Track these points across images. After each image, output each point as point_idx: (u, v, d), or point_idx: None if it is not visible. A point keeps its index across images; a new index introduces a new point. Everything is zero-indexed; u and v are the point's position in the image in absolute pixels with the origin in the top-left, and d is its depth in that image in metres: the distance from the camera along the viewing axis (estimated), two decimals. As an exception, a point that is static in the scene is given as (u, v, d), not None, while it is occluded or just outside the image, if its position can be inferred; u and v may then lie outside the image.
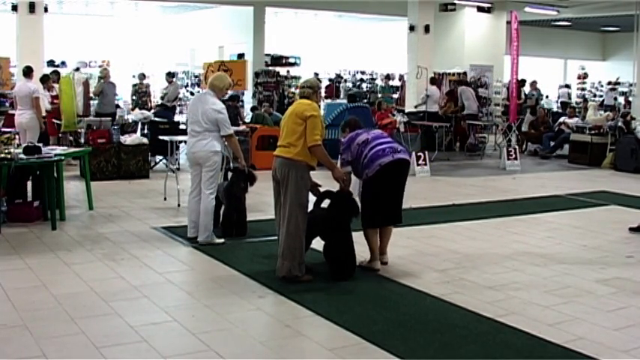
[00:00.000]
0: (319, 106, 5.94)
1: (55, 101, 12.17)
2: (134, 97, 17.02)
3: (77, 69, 14.52)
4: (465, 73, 17.06)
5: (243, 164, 6.91)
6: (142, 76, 17.48)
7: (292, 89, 22.12)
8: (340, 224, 5.68)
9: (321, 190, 5.96)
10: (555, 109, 22.12)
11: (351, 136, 6.11)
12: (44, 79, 12.46)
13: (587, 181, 11.88)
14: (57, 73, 14.01)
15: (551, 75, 28.90)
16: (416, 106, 16.06)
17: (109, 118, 11.59)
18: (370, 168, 5.86)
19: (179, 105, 19.20)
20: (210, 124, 6.60)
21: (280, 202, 5.69)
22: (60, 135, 12.15)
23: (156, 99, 19.06)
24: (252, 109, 16.80)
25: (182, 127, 12.50)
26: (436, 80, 16.43)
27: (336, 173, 5.79)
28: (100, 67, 20.68)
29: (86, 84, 13.29)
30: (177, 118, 15.90)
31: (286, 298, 5.20)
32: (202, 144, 6.63)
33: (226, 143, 6.93)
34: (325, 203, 5.94)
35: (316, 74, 23.15)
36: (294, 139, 5.57)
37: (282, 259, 5.59)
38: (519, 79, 15.51)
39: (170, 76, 16.69)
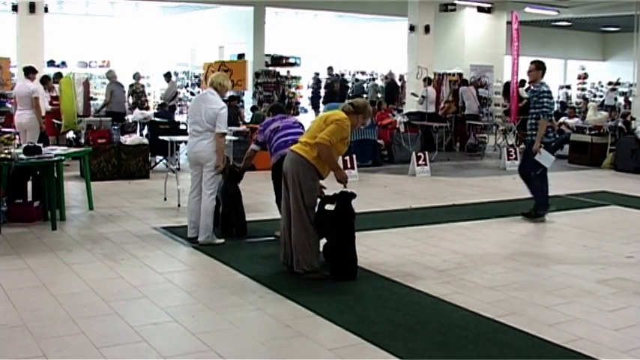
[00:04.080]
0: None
1: (55, 102, 12.18)
2: (133, 98, 17.00)
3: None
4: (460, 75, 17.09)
5: (219, 165, 6.72)
6: (138, 76, 17.47)
7: (292, 89, 22.12)
8: (344, 226, 5.68)
9: (325, 192, 5.98)
10: (555, 109, 22.15)
11: (267, 122, 6.97)
12: (44, 80, 12.46)
13: (587, 181, 11.88)
14: (60, 75, 14.04)
15: (551, 75, 28.87)
16: (413, 93, 16.12)
17: (109, 118, 11.61)
18: (274, 156, 6.65)
19: (179, 105, 19.22)
20: (212, 123, 6.59)
21: (287, 197, 5.70)
22: (59, 135, 12.17)
23: (156, 99, 19.07)
24: (252, 109, 16.82)
25: (182, 127, 12.54)
26: (432, 81, 16.40)
27: (339, 175, 5.80)
28: (100, 67, 20.75)
29: (86, 84, 13.33)
30: (177, 118, 15.93)
31: (286, 298, 5.20)
32: (204, 144, 6.62)
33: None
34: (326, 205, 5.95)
35: (316, 74, 23.16)
36: (313, 141, 5.61)
37: (297, 254, 5.62)
38: (519, 79, 15.52)
39: (167, 76, 16.71)
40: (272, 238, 6.90)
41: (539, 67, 8.39)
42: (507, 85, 16.24)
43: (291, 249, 5.70)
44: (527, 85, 18.52)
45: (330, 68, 21.40)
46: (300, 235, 5.60)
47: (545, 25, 25.58)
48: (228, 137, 9.33)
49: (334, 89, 18.97)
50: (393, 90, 19.90)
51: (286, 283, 5.54)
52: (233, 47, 21.08)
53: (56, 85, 12.56)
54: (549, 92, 8.30)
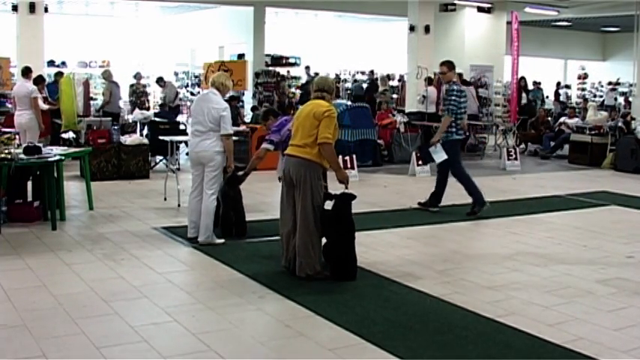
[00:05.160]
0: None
1: (45, 103, 12.09)
2: (132, 98, 17.00)
3: (60, 73, 14.43)
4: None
5: (231, 166, 6.84)
6: (139, 76, 17.47)
7: (292, 89, 22.11)
8: (344, 226, 5.68)
9: (327, 190, 5.98)
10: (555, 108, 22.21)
11: (282, 122, 6.88)
12: (37, 81, 12.27)
13: (587, 181, 11.88)
14: (61, 74, 14.02)
15: (551, 75, 28.91)
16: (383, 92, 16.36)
17: (109, 118, 11.61)
18: None
19: (180, 105, 19.18)
20: (215, 123, 6.60)
21: (291, 202, 5.70)
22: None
23: (156, 99, 19.04)
24: (253, 109, 16.82)
25: (182, 127, 12.55)
26: (433, 80, 16.40)
27: (341, 175, 5.79)
28: (100, 67, 20.74)
29: (86, 84, 13.32)
30: (179, 118, 15.96)
31: (286, 298, 5.20)
32: (206, 144, 6.63)
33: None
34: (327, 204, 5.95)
35: (316, 74, 23.12)
36: (311, 140, 5.60)
37: (300, 258, 5.62)
38: (520, 76, 15.55)
39: (160, 80, 16.67)
40: (272, 238, 6.88)
41: (451, 68, 8.62)
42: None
43: (294, 253, 5.70)
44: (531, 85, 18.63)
45: (307, 68, 21.39)
46: (305, 238, 5.60)
47: (545, 25, 25.58)
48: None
49: (310, 90, 18.95)
50: (371, 89, 20.03)
51: (286, 283, 5.55)
52: (233, 47, 21.09)
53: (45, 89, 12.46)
54: (459, 92, 8.53)
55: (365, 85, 24.35)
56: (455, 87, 8.54)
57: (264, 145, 7.01)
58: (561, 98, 26.64)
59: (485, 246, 7.06)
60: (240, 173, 7.04)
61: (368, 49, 26.23)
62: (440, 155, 8.61)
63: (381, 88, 18.97)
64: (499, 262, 6.43)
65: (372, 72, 22.39)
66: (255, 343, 4.36)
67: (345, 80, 24.77)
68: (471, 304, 5.11)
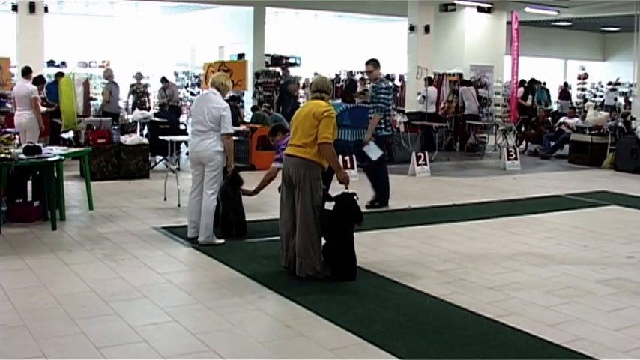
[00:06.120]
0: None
1: (44, 104, 12.09)
2: (133, 98, 16.98)
3: (61, 73, 14.41)
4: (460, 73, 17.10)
5: (231, 166, 6.86)
6: (139, 76, 17.46)
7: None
8: (343, 226, 5.67)
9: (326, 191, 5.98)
10: (555, 109, 22.21)
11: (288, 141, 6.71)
12: (37, 81, 12.25)
13: (587, 181, 11.88)
14: (61, 74, 14.02)
15: (551, 75, 28.91)
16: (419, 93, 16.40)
17: (109, 118, 11.61)
18: None
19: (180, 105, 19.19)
20: (215, 123, 6.60)
21: (290, 202, 5.70)
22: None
23: (155, 99, 19.02)
24: (253, 109, 16.82)
25: (182, 127, 12.54)
26: (433, 80, 16.40)
27: (341, 175, 5.79)
28: (100, 67, 20.73)
29: (86, 84, 13.32)
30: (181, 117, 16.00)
31: (286, 298, 5.20)
32: (206, 143, 6.63)
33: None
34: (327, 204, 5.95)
35: (315, 74, 23.11)
36: (310, 140, 5.60)
37: (300, 258, 5.62)
38: (529, 79, 15.52)
39: (164, 81, 16.69)
40: (272, 238, 6.88)
41: (377, 66, 8.77)
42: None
43: (294, 253, 5.70)
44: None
45: (285, 68, 21.40)
46: (304, 238, 5.60)
47: (545, 25, 25.58)
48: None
49: (289, 90, 18.63)
50: (350, 88, 20.07)
51: (286, 283, 5.55)
52: (233, 47, 21.07)
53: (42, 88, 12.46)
54: (387, 89, 8.76)
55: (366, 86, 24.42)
56: (383, 85, 8.70)
57: (275, 165, 7.01)
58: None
59: (485, 246, 7.06)
60: (252, 190, 7.12)
61: (368, 49, 26.18)
62: (376, 152, 8.77)
63: (360, 88, 18.95)
64: (499, 262, 6.43)
65: (350, 72, 22.36)
66: (255, 343, 4.36)
67: (345, 81, 24.76)
68: (471, 304, 5.11)
